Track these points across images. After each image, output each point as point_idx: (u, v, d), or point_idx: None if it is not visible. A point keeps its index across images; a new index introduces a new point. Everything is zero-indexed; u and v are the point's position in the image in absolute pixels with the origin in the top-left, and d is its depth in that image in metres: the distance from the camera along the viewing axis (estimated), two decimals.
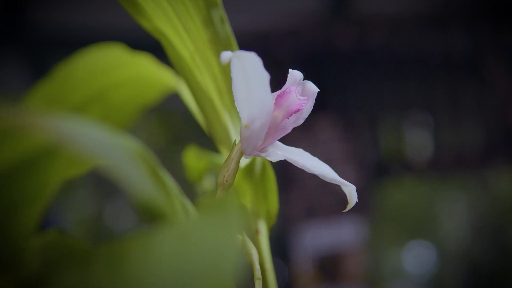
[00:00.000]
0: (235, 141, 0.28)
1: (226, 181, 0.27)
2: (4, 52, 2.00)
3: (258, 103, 0.24)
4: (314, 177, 1.69)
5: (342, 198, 2.01)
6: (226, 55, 0.26)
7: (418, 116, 2.46)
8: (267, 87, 0.25)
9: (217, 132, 0.35)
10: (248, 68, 0.25)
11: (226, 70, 0.35)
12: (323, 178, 0.27)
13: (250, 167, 0.33)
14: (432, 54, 2.29)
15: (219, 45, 0.34)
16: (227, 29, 0.34)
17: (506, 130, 2.25)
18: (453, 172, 2.44)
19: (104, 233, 2.83)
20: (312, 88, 0.29)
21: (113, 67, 0.37)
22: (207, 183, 0.40)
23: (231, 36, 0.34)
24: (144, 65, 0.38)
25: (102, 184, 2.84)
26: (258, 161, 0.33)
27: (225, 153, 0.34)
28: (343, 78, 2.37)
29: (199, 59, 0.34)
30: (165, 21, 0.33)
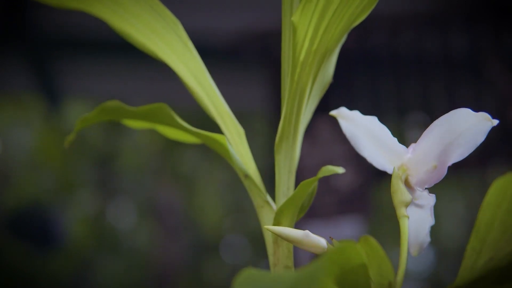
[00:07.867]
0: (394, 168, 0.32)
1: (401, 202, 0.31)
2: (4, 52, 2.00)
3: (459, 156, 0.31)
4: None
5: (342, 198, 2.01)
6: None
7: (418, 116, 2.46)
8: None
9: (286, 135, 0.35)
10: (466, 123, 0.28)
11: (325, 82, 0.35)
12: None
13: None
14: (432, 54, 2.30)
15: (329, 54, 0.34)
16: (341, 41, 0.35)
17: (505, 130, 2.26)
18: (452, 172, 2.44)
19: (106, 232, 2.83)
20: None
21: None
22: (71, 136, 0.38)
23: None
24: None
25: (104, 184, 2.84)
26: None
27: (281, 164, 0.35)
28: (343, 78, 2.37)
29: (311, 60, 0.34)
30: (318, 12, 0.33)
